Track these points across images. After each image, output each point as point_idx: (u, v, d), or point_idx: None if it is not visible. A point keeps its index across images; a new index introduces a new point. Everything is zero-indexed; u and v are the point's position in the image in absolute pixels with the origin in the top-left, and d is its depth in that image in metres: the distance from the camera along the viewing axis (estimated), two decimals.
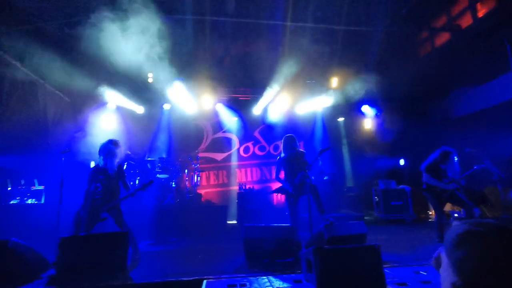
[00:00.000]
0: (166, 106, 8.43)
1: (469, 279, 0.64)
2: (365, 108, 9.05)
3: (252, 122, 8.99)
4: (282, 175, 4.46)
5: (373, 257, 2.54)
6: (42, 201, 6.07)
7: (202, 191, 7.99)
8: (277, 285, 2.65)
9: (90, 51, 6.27)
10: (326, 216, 3.96)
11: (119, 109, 7.93)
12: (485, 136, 5.81)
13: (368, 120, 9.23)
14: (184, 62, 7.30)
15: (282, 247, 3.50)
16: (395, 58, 7.99)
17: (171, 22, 6.64)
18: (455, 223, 0.75)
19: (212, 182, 8.79)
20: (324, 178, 7.73)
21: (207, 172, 8.68)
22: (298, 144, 4.42)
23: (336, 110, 9.06)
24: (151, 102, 8.19)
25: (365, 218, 7.14)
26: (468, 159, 4.66)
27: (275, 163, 4.65)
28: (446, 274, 0.70)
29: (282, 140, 4.47)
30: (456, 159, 4.50)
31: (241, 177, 8.84)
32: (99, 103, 7.47)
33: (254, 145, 9.11)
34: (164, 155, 7.70)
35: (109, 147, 3.95)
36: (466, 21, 7.10)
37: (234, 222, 7.12)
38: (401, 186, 7.32)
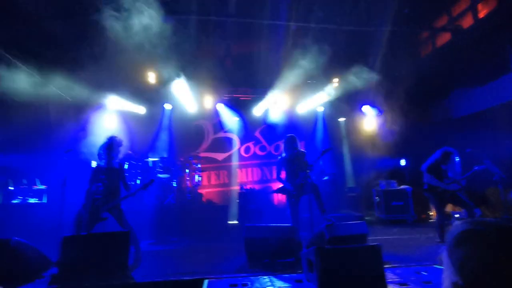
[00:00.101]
0: (167, 106, 8.45)
1: (469, 278, 0.64)
2: (366, 108, 9.05)
3: (253, 122, 9.00)
4: (283, 175, 4.47)
5: (374, 257, 2.55)
6: (44, 201, 6.09)
7: (203, 191, 8.00)
8: (279, 285, 2.66)
9: (92, 50, 6.30)
10: (327, 216, 3.97)
11: (121, 109, 7.94)
12: (486, 136, 5.81)
13: (369, 120, 9.22)
14: (186, 62, 7.31)
15: (283, 247, 3.51)
16: (396, 58, 7.98)
17: (173, 22, 6.65)
18: (456, 223, 0.75)
19: (213, 182, 8.81)
20: (324, 178, 7.73)
21: (208, 172, 8.70)
22: (299, 144, 4.43)
23: (337, 110, 9.06)
24: (153, 102, 8.20)
25: (366, 218, 7.13)
26: (469, 160, 4.67)
27: (276, 163, 4.65)
28: (447, 274, 0.70)
29: (283, 140, 4.47)
30: (457, 159, 4.51)
31: (242, 177, 8.85)
32: (101, 103, 7.48)
33: (255, 145, 9.12)
34: (165, 155, 7.72)
35: (109, 143, 3.98)
36: (467, 22, 7.11)
37: (235, 222, 7.13)
38: (402, 187, 7.32)
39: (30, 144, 6.15)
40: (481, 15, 6.74)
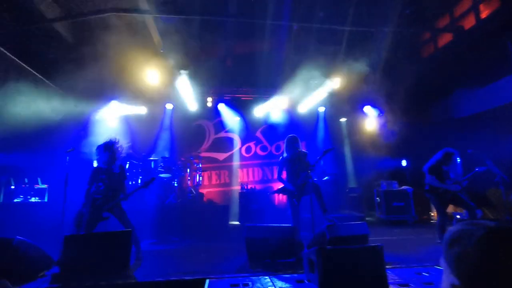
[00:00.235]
0: (168, 106, 8.46)
1: (465, 279, 0.65)
2: (368, 109, 9.04)
3: (254, 122, 9.00)
4: (284, 175, 4.47)
5: (375, 258, 2.55)
6: (46, 200, 6.10)
7: (204, 191, 8.00)
8: (280, 285, 2.67)
9: (94, 50, 6.31)
10: (329, 216, 3.97)
11: (122, 109, 7.95)
12: (488, 137, 5.80)
13: (371, 120, 9.21)
14: (187, 62, 7.32)
15: (284, 247, 3.51)
16: (398, 59, 7.98)
17: (175, 22, 6.66)
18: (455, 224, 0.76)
19: (214, 181, 8.81)
20: (325, 178, 7.72)
21: (209, 172, 8.70)
22: (300, 144, 4.43)
23: (338, 110, 9.06)
24: (154, 102, 8.21)
25: (367, 219, 7.13)
26: (471, 161, 4.66)
27: (277, 163, 4.65)
28: (445, 276, 0.71)
29: (285, 140, 4.47)
30: (458, 160, 4.50)
31: (243, 177, 8.85)
32: (103, 102, 7.50)
33: (256, 145, 9.13)
34: (166, 155, 7.73)
35: (106, 145, 3.98)
36: (469, 22, 7.09)
37: (236, 222, 7.13)
38: (403, 187, 7.31)
39: (31, 143, 6.16)
40: (483, 15, 6.72)
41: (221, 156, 8.94)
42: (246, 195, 7.09)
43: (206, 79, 7.63)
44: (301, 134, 6.87)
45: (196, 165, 7.42)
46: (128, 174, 6.45)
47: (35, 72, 6.42)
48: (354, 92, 8.26)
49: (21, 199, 6.03)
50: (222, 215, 6.55)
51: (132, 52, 6.65)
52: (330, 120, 9.10)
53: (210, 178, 8.78)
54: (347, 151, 9.24)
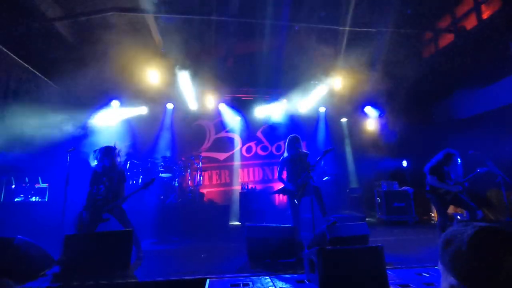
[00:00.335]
0: (169, 106, 8.46)
1: (461, 277, 0.66)
2: (368, 109, 9.04)
3: (255, 122, 9.00)
4: (284, 175, 4.46)
5: (376, 258, 2.54)
6: (46, 199, 6.11)
7: (204, 191, 8.01)
8: (280, 285, 2.67)
9: (95, 50, 6.31)
10: (329, 218, 3.97)
11: (123, 108, 7.95)
12: (489, 138, 5.79)
13: (371, 121, 9.21)
14: (188, 62, 7.33)
15: (284, 247, 3.51)
16: (399, 59, 7.97)
17: (175, 22, 6.67)
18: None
19: (214, 181, 8.82)
20: (325, 179, 7.72)
21: (209, 172, 8.71)
22: (301, 144, 4.42)
23: (339, 111, 9.06)
24: (154, 102, 8.22)
25: (367, 219, 7.13)
26: (472, 161, 4.65)
27: (277, 163, 4.65)
28: (443, 277, 0.72)
29: (286, 140, 4.46)
30: (459, 161, 4.49)
31: (243, 177, 8.86)
32: (104, 102, 7.51)
33: (256, 145, 9.13)
34: (168, 154, 7.74)
35: (106, 150, 3.99)
36: (470, 23, 7.08)
37: (236, 221, 7.13)
38: (403, 188, 7.30)
39: (32, 143, 6.17)
40: (485, 16, 6.71)
41: (222, 156, 8.95)
42: (247, 195, 7.10)
43: (206, 79, 7.63)
44: (301, 134, 6.87)
45: (197, 165, 7.43)
46: (128, 174, 6.47)
47: (35, 72, 6.43)
48: (355, 93, 8.26)
49: (22, 198, 6.04)
50: (223, 215, 6.55)
51: (133, 52, 6.66)
52: (330, 120, 9.10)
53: (210, 178, 8.78)
54: (348, 151, 9.24)
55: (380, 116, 8.97)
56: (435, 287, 2.55)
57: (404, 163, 8.74)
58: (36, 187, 6.22)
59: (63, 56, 6.63)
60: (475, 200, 4.61)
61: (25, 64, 6.12)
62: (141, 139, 7.94)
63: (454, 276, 0.67)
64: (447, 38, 7.79)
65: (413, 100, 8.24)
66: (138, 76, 7.37)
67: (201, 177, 7.67)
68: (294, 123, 8.68)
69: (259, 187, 8.15)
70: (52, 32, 6.40)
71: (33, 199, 6.07)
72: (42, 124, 6.21)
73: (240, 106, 8.88)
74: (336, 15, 6.97)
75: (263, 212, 6.70)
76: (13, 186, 6.14)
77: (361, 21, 7.13)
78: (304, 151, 4.42)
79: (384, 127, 8.84)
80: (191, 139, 8.61)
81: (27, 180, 6.24)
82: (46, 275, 3.02)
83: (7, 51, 5.71)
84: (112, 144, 4.13)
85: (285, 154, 4.45)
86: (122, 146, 4.24)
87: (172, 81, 7.75)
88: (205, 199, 7.60)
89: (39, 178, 6.34)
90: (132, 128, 8.05)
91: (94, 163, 4.09)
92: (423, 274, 2.91)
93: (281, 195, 6.86)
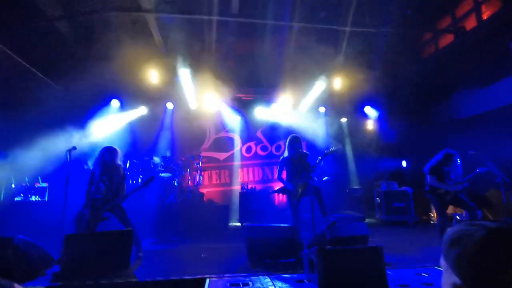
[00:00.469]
0: (169, 105, 8.46)
1: (467, 278, 0.66)
2: (368, 109, 9.04)
3: (255, 122, 9.00)
4: (284, 175, 4.46)
5: (376, 259, 2.55)
6: (46, 199, 6.11)
7: (204, 190, 8.01)
8: (280, 285, 2.67)
9: (95, 49, 6.32)
10: (329, 218, 3.97)
11: (123, 108, 7.96)
12: (489, 138, 5.79)
13: (371, 121, 9.22)
14: (188, 61, 7.33)
15: (284, 247, 3.51)
16: (399, 59, 7.98)
17: (176, 21, 6.67)
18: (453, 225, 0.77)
19: (214, 181, 8.82)
20: (325, 179, 7.73)
21: (209, 172, 8.71)
22: (302, 144, 4.42)
23: (339, 111, 9.06)
24: (154, 101, 8.22)
25: (367, 219, 7.14)
26: (471, 162, 4.66)
27: (277, 163, 4.65)
28: (446, 276, 0.72)
29: (287, 140, 4.46)
30: (458, 161, 4.50)
31: (243, 176, 8.86)
32: (104, 102, 7.51)
33: (256, 145, 9.13)
34: (168, 154, 7.74)
35: (104, 154, 4.00)
36: (470, 23, 7.09)
37: (236, 221, 7.14)
38: (403, 188, 7.31)
39: (32, 142, 6.17)
40: (485, 16, 6.72)
41: (222, 155, 8.95)
42: (246, 195, 7.10)
43: (206, 78, 7.63)
44: (301, 134, 6.88)
45: (197, 165, 7.43)
46: (128, 173, 6.48)
47: (36, 71, 6.43)
48: (355, 93, 8.26)
49: (22, 198, 6.04)
50: (222, 215, 6.56)
51: (133, 51, 6.66)
52: (330, 120, 9.10)
53: (210, 177, 8.78)
54: (348, 151, 9.24)
55: (379, 116, 8.98)
56: (434, 287, 2.56)
57: (404, 163, 8.75)
58: (36, 186, 6.22)
59: (63, 55, 6.64)
60: (474, 200, 4.62)
61: (24, 63, 6.11)
62: (141, 139, 7.95)
63: (458, 276, 0.67)
64: (447, 39, 7.80)
65: (413, 100, 8.24)
66: (138, 76, 7.38)
67: (201, 177, 7.67)
68: (294, 123, 8.68)
69: (259, 187, 8.15)
70: (52, 31, 6.40)
71: (33, 198, 6.07)
72: (42, 123, 6.21)
73: (240, 106, 8.88)
74: (336, 15, 6.98)
75: (262, 212, 6.70)
76: (13, 186, 6.14)
77: (361, 21, 7.13)
78: (304, 151, 4.42)
79: (383, 127, 8.84)
80: (191, 139, 8.61)
81: (26, 180, 6.24)
82: (46, 274, 3.03)
83: (7, 50, 5.71)
84: (112, 145, 4.14)
85: (285, 154, 4.45)
86: (122, 147, 4.24)
87: (172, 81, 7.76)
88: (205, 199, 7.60)
89: (39, 177, 6.34)
90: (132, 127, 8.05)
91: (94, 162, 4.09)
92: (423, 274, 2.92)
93: (280, 195, 6.87)
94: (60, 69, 6.65)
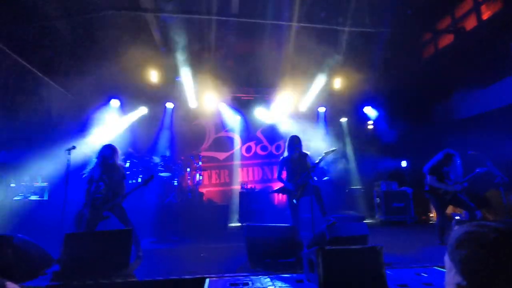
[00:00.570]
0: (169, 105, 8.46)
1: (473, 279, 0.65)
2: (368, 109, 9.04)
3: (255, 122, 9.00)
4: (284, 175, 4.47)
5: (375, 258, 2.55)
6: (45, 198, 6.10)
7: (203, 190, 8.01)
8: (279, 285, 2.67)
9: (95, 48, 6.31)
10: (328, 218, 3.97)
11: (122, 107, 7.95)
12: (488, 138, 5.79)
13: (371, 121, 9.22)
14: (188, 61, 7.33)
15: (284, 247, 3.51)
16: (399, 59, 7.98)
17: (175, 21, 6.66)
18: (457, 225, 0.76)
19: (213, 181, 8.82)
20: (325, 178, 7.73)
21: (209, 171, 8.71)
22: (302, 144, 4.42)
23: (338, 111, 9.06)
24: (154, 101, 8.22)
25: (366, 219, 7.14)
26: (471, 162, 4.66)
27: (277, 163, 4.65)
28: (450, 276, 0.71)
29: (287, 140, 4.46)
30: (458, 161, 4.50)
31: (243, 176, 8.86)
32: (103, 101, 7.50)
33: (256, 145, 9.13)
34: (167, 153, 7.74)
35: (104, 152, 3.99)
36: (470, 23, 7.09)
37: (236, 221, 7.14)
38: (402, 188, 7.31)
39: (32, 141, 6.17)
40: (485, 17, 6.72)
41: (221, 155, 8.95)
42: (246, 194, 7.10)
43: (206, 78, 7.63)
44: (301, 134, 6.88)
45: (196, 164, 7.43)
46: (128, 173, 6.47)
47: (35, 70, 6.42)
48: (355, 93, 8.26)
49: (21, 197, 6.03)
50: (222, 214, 6.56)
51: (133, 51, 6.66)
52: (330, 120, 9.10)
53: (210, 177, 8.78)
54: (348, 151, 9.24)
55: (379, 116, 8.97)
56: (434, 287, 2.56)
57: (404, 163, 8.75)
58: (35, 185, 6.21)
59: (63, 55, 6.63)
60: (474, 200, 4.62)
61: (24, 63, 6.11)
62: (140, 138, 7.94)
63: (464, 277, 0.67)
64: (447, 39, 7.80)
65: (412, 100, 8.25)
66: (138, 75, 7.37)
67: (201, 177, 7.67)
68: (294, 123, 8.68)
69: (258, 186, 8.15)
70: (52, 30, 6.39)
71: (32, 197, 6.06)
72: (41, 122, 6.21)
73: (240, 105, 8.88)
74: (336, 15, 6.97)
75: (262, 212, 6.70)
76: (13, 185, 6.13)
77: (361, 21, 7.13)
78: (304, 151, 4.42)
79: (383, 127, 8.84)
80: (190, 139, 8.61)
81: (26, 179, 6.23)
82: (46, 274, 3.02)
83: (7, 49, 5.70)
84: (112, 144, 4.14)
85: (285, 154, 4.45)
86: (121, 146, 4.23)
87: (172, 81, 7.75)
88: (204, 199, 7.60)
89: (38, 176, 6.33)
90: (132, 127, 8.04)
91: (93, 161, 4.09)
92: (422, 274, 2.92)
93: (280, 194, 6.87)
94: (60, 68, 6.64)
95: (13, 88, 5.94)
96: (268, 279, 2.81)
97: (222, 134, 9.08)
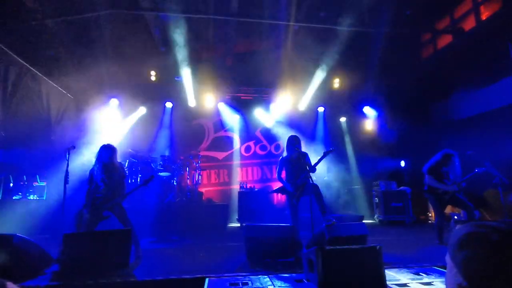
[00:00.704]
0: (168, 105, 8.45)
1: (473, 279, 0.66)
2: (367, 109, 9.06)
3: (254, 122, 9.01)
4: (283, 175, 4.47)
5: (374, 258, 2.56)
6: (44, 197, 6.10)
7: (203, 190, 8.02)
8: (279, 284, 2.68)
9: (94, 48, 6.29)
10: (328, 217, 3.98)
11: (122, 107, 7.94)
12: (487, 138, 5.82)
13: (370, 121, 9.23)
14: (187, 61, 7.32)
15: (283, 247, 3.52)
16: (398, 59, 7.99)
17: (175, 20, 6.65)
18: (458, 225, 0.76)
19: (213, 180, 8.82)
20: (325, 178, 7.74)
21: (208, 171, 8.71)
22: (301, 144, 4.42)
23: (338, 110, 9.07)
24: (154, 100, 8.21)
25: (365, 219, 7.15)
26: (470, 162, 4.68)
27: (276, 163, 4.65)
28: (451, 275, 0.71)
29: (287, 140, 4.46)
30: (457, 161, 4.52)
31: (242, 176, 8.86)
32: (102, 101, 7.49)
33: (255, 145, 9.13)
34: (167, 153, 7.73)
35: (103, 152, 3.99)
36: (469, 24, 7.11)
37: (235, 221, 7.14)
38: (401, 188, 7.33)
39: (31, 141, 6.16)
40: (484, 17, 6.74)
41: (221, 155, 8.95)
42: (245, 194, 7.10)
43: (206, 77, 7.63)
44: (300, 134, 6.89)
45: (196, 164, 7.43)
46: (127, 173, 6.47)
47: (34, 70, 6.41)
48: (354, 92, 8.27)
49: (20, 196, 6.02)
50: (221, 214, 6.56)
51: (132, 50, 6.64)
52: (329, 120, 9.11)
53: (209, 177, 8.78)
54: (347, 151, 9.25)
55: (378, 116, 8.99)
56: (433, 287, 2.57)
57: (402, 163, 8.77)
58: (34, 185, 6.20)
59: (62, 54, 6.61)
60: (472, 200, 4.64)
61: (23, 62, 6.09)
62: (140, 138, 7.93)
63: (465, 278, 0.67)
64: (446, 39, 7.82)
65: (412, 100, 8.27)
66: (137, 75, 7.36)
67: (200, 176, 7.67)
68: (293, 123, 8.69)
69: (257, 186, 8.15)
70: (51, 29, 6.37)
71: (31, 197, 6.05)
72: (40, 122, 6.19)
73: (239, 105, 8.88)
74: (336, 15, 6.98)
75: (261, 212, 6.71)
76: (11, 184, 6.12)
77: (361, 21, 7.14)
78: (303, 151, 4.43)
79: (382, 127, 8.86)
80: (190, 138, 8.61)
81: (25, 178, 6.22)
82: (45, 273, 3.02)
83: (6, 49, 5.69)
84: (111, 143, 4.13)
85: (284, 154, 4.45)
86: (121, 146, 4.23)
87: (171, 80, 7.74)
88: (203, 198, 7.60)
89: (37, 176, 6.32)
90: (131, 127, 8.03)
91: (93, 161, 4.08)
92: (421, 274, 2.93)
93: (279, 194, 6.88)
94: (58, 67, 6.62)
95: (12, 87, 5.92)
96: (268, 279, 2.81)
97: (221, 133, 9.08)
